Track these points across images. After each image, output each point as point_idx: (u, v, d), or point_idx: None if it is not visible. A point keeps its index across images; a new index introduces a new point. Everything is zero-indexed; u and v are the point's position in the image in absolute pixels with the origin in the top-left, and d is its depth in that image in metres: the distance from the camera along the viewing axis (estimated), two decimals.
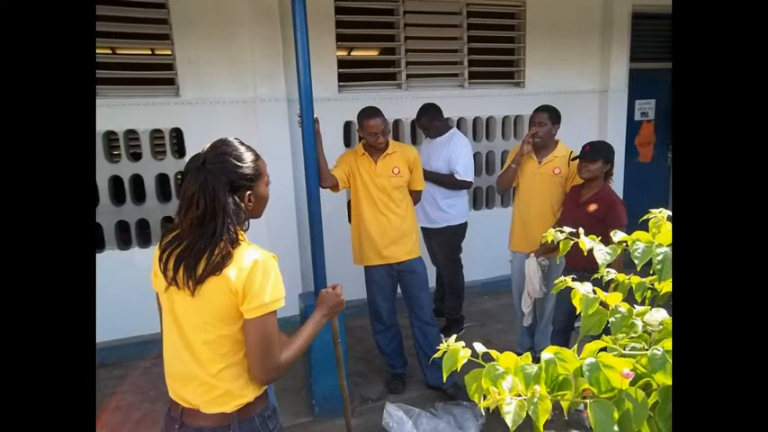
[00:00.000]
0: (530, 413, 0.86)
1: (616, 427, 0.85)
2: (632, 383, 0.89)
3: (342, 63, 4.02)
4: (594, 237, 1.26)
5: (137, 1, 3.44)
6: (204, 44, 3.59)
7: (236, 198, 1.31)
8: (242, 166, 1.32)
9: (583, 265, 2.26)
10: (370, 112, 2.85)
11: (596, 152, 2.76)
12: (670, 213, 1.14)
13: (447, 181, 3.53)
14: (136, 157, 3.68)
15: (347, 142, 4.12)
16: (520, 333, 3.41)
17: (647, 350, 0.95)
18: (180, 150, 3.81)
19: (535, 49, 4.51)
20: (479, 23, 4.33)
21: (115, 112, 3.48)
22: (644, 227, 1.21)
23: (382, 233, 2.95)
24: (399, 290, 3.12)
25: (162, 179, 3.77)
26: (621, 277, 1.22)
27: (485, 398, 0.92)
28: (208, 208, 1.27)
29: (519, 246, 3.24)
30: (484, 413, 2.77)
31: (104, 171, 3.55)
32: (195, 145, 2.92)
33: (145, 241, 3.77)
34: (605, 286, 1.20)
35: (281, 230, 3.79)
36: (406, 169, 2.95)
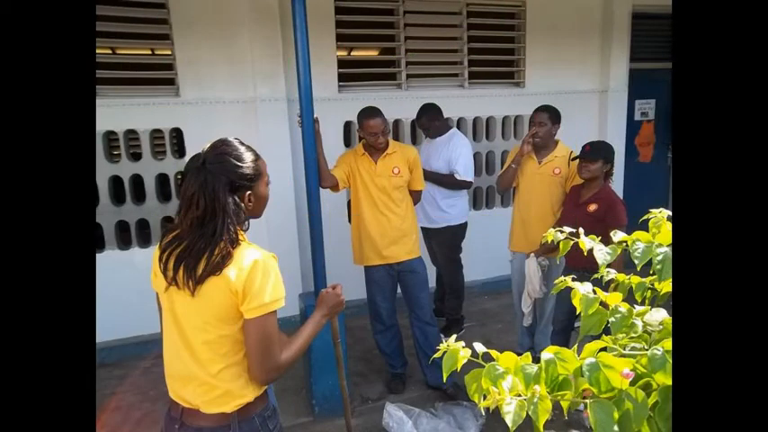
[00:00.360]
0: (530, 413, 0.86)
1: (616, 427, 0.85)
2: (632, 383, 0.89)
3: (342, 63, 4.02)
4: (594, 237, 1.26)
5: (137, 1, 3.44)
6: (204, 44, 3.59)
7: (236, 198, 1.31)
8: (242, 166, 1.32)
9: (583, 265, 2.26)
10: (370, 112, 2.85)
11: (596, 152, 2.76)
12: (670, 213, 1.14)
13: (447, 181, 3.53)
14: (136, 157, 3.68)
15: (347, 142, 4.12)
16: (520, 333, 3.41)
17: (647, 350, 0.95)
18: (180, 150, 3.81)
19: (535, 49, 4.51)
20: (479, 23, 4.32)
21: (115, 112, 3.48)
22: (644, 227, 1.21)
23: (382, 233, 2.95)
24: (399, 290, 3.12)
25: (162, 179, 3.77)
26: (621, 277, 1.22)
27: (485, 398, 0.92)
28: (208, 208, 1.27)
29: (519, 246, 3.24)
30: (484, 413, 2.77)
31: (104, 171, 3.55)
32: (195, 145, 2.92)
33: (145, 241, 3.77)
34: (605, 286, 1.20)
35: (281, 230, 3.79)
36: (406, 169, 2.95)
